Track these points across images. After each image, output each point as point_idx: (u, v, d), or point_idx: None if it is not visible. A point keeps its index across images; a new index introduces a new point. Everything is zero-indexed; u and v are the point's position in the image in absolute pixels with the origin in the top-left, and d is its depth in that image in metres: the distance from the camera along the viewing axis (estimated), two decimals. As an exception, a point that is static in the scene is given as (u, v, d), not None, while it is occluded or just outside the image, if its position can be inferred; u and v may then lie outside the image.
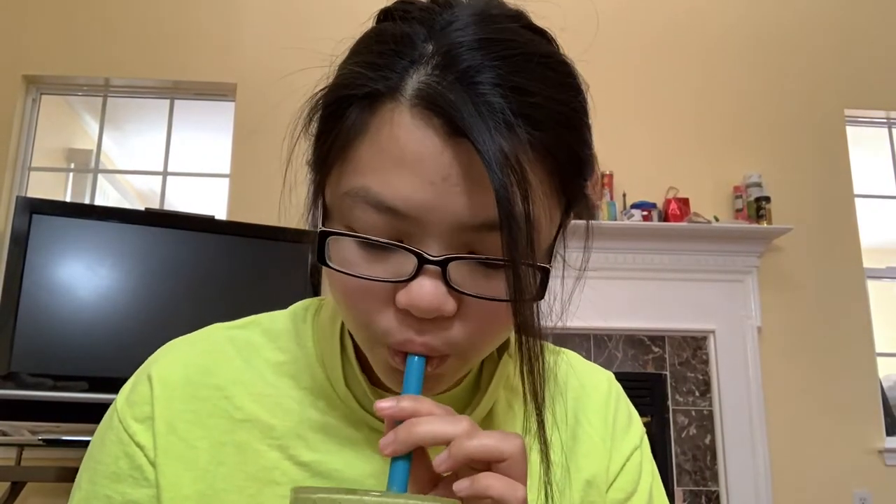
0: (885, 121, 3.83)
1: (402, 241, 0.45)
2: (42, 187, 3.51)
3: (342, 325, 0.56)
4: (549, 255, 0.51)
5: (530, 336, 0.48)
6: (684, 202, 3.32)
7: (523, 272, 0.44)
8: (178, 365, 0.56)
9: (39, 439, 2.59)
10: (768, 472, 3.12)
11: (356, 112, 0.46)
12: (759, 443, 3.14)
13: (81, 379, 2.52)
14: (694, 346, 3.27)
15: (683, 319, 3.25)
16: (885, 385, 3.47)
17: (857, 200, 3.55)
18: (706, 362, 3.26)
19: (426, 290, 0.44)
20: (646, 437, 0.65)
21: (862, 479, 3.20)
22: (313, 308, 0.60)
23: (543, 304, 0.51)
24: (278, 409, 0.54)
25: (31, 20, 3.42)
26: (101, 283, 2.70)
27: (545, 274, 0.47)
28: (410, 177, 0.44)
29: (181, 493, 0.52)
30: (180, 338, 0.59)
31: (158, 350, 0.59)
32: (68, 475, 2.54)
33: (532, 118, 0.44)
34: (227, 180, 3.36)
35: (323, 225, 0.50)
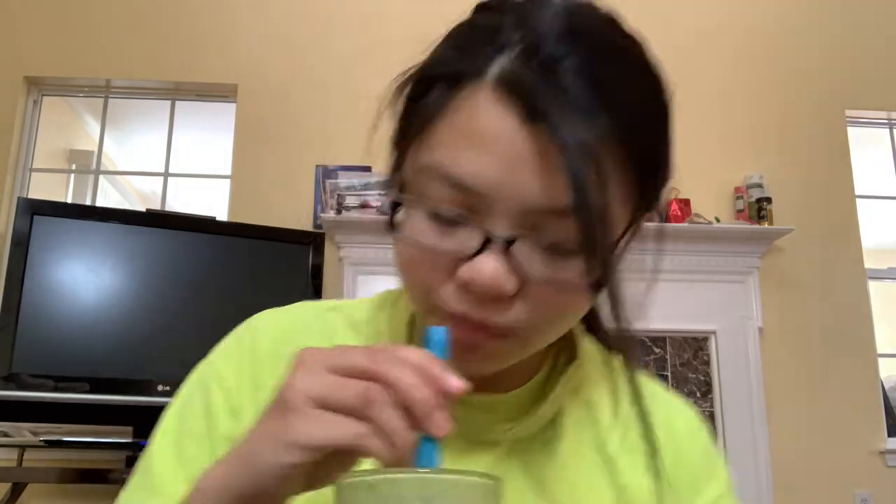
0: (886, 121, 3.83)
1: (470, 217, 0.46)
2: (43, 188, 3.51)
3: (409, 320, 0.57)
4: (616, 247, 0.51)
5: (616, 330, 0.50)
6: (685, 203, 3.32)
7: (593, 262, 0.45)
8: (269, 332, 0.59)
9: (41, 440, 2.59)
10: (769, 473, 3.12)
11: (439, 91, 0.48)
12: (761, 443, 3.14)
13: (83, 380, 2.52)
14: (695, 347, 3.27)
15: (684, 320, 3.25)
16: (886, 386, 3.46)
17: (859, 201, 3.55)
18: (707, 363, 3.26)
19: (489, 267, 0.45)
20: (732, 488, 0.64)
21: (863, 480, 3.20)
22: (392, 298, 0.61)
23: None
24: None
25: (32, 21, 3.43)
26: (103, 285, 2.70)
27: (612, 265, 0.48)
28: (484, 155, 0.45)
29: None
30: (272, 309, 0.62)
31: (252, 317, 0.62)
32: (69, 476, 2.55)
33: (612, 110, 0.45)
34: (228, 181, 3.37)
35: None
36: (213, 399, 0.56)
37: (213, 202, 3.48)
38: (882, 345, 3.44)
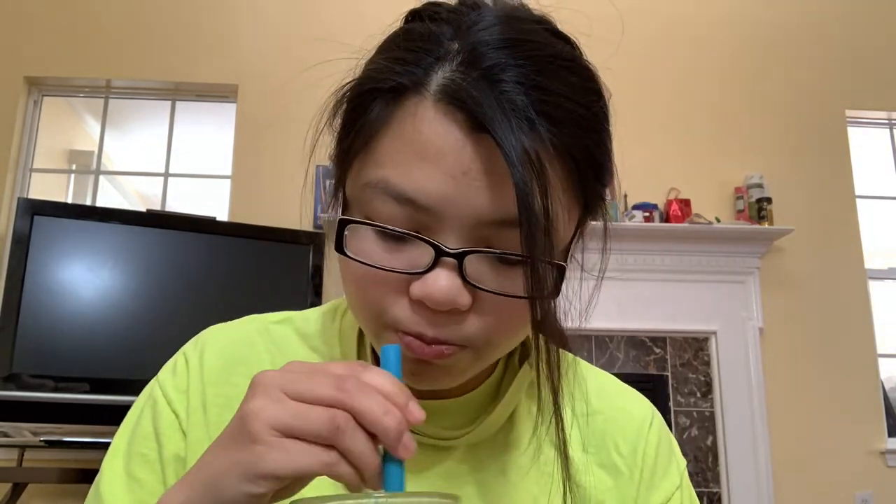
0: (886, 122, 3.83)
1: (419, 233, 0.46)
2: (44, 189, 3.51)
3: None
4: (566, 255, 0.52)
5: (547, 335, 0.48)
6: (686, 203, 3.32)
7: (540, 269, 0.44)
8: (215, 350, 0.58)
9: (41, 440, 2.59)
10: (770, 474, 3.12)
11: (380, 105, 0.47)
12: (761, 444, 3.14)
13: (83, 380, 2.52)
14: (695, 347, 3.27)
15: (685, 320, 3.25)
16: (886, 386, 3.46)
17: (859, 201, 3.55)
18: (707, 363, 3.26)
19: (442, 283, 0.44)
20: (687, 475, 0.62)
21: (864, 481, 3.20)
22: (343, 308, 0.61)
23: (561, 306, 0.52)
24: None
25: (33, 22, 3.43)
26: (103, 285, 2.70)
27: (561, 272, 0.47)
28: (431, 170, 0.45)
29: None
30: (220, 324, 0.62)
31: (200, 333, 0.61)
32: (70, 476, 2.54)
33: (553, 117, 0.45)
34: (228, 181, 3.37)
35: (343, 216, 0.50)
36: (161, 420, 0.56)
37: (213, 202, 3.48)
38: (882, 345, 3.44)
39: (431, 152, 0.45)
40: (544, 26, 0.51)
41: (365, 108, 0.48)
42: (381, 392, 0.38)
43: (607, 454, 0.59)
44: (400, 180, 0.45)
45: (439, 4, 0.50)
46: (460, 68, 0.45)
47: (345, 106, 0.51)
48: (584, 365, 0.64)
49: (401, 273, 0.46)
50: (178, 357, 0.60)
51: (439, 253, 0.45)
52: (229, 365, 0.57)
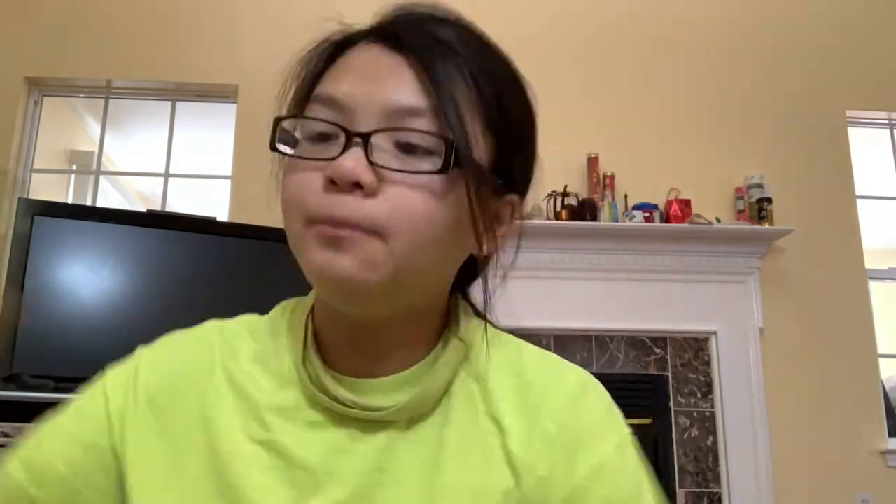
0: (886, 122, 3.83)
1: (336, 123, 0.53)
2: (44, 189, 3.51)
3: (308, 316, 0.61)
4: (476, 169, 0.55)
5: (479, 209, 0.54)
6: (686, 203, 3.32)
7: (435, 140, 0.51)
8: (166, 357, 0.63)
9: (41, 441, 2.59)
10: (770, 474, 3.12)
11: (322, 59, 0.58)
12: (761, 444, 3.14)
13: (83, 381, 2.51)
14: (696, 348, 3.27)
15: (685, 321, 3.25)
16: (887, 386, 3.46)
17: (859, 201, 3.55)
18: (708, 363, 3.26)
19: (348, 160, 0.51)
20: (630, 438, 0.60)
21: (864, 481, 3.20)
22: (292, 304, 0.65)
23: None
24: (246, 391, 0.58)
25: (33, 22, 3.43)
26: (103, 285, 2.70)
27: (453, 147, 0.52)
28: (351, 77, 0.54)
29: (152, 463, 0.57)
30: (175, 334, 0.66)
31: (148, 347, 0.66)
32: (70, 477, 2.54)
33: (470, 50, 0.55)
34: (228, 182, 3.37)
35: None
36: (100, 411, 0.61)
37: (213, 203, 3.48)
38: (882, 345, 3.44)
39: (353, 67, 0.55)
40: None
41: (313, 61, 0.59)
42: None
43: (541, 423, 0.58)
44: (325, 88, 0.55)
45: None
46: (394, 16, 0.57)
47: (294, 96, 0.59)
48: (523, 344, 0.64)
49: (318, 160, 0.52)
50: (128, 362, 0.65)
51: (349, 135, 0.52)
52: (178, 367, 0.61)
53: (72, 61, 3.41)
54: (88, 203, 3.63)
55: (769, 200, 3.33)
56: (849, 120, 3.64)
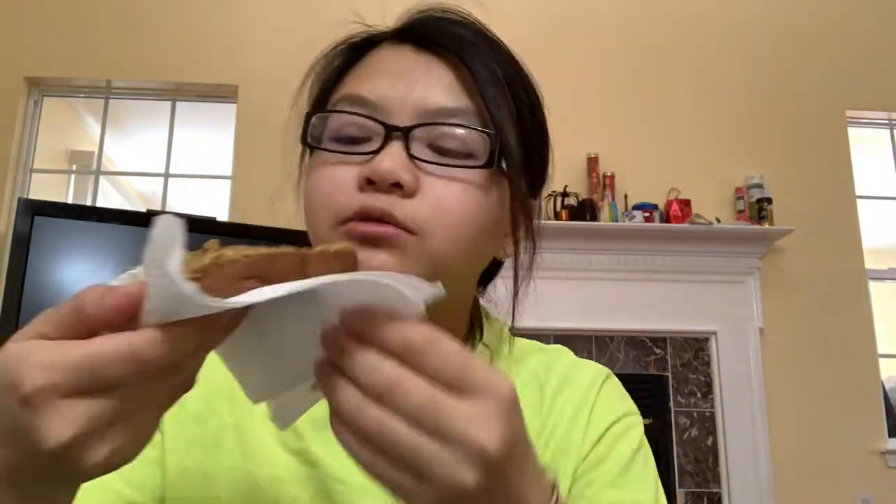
0: (886, 122, 3.83)
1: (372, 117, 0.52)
2: (44, 189, 3.51)
3: None
4: (516, 163, 0.55)
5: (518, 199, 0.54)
6: (686, 203, 3.32)
7: (482, 137, 0.51)
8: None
9: (41, 441, 2.59)
10: (770, 474, 3.12)
11: (343, 59, 0.58)
12: (761, 444, 3.14)
13: (83, 380, 2.52)
14: (696, 348, 3.27)
15: (685, 321, 3.25)
16: (887, 386, 3.46)
17: (859, 201, 3.55)
18: (708, 364, 3.26)
19: (388, 156, 0.49)
20: (639, 418, 0.63)
21: (864, 481, 3.20)
22: None
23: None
24: None
25: (33, 22, 3.43)
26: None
27: (498, 142, 0.51)
28: (380, 76, 0.53)
29: (183, 464, 0.55)
30: None
31: None
32: (70, 477, 2.54)
33: (486, 50, 0.55)
34: (228, 182, 3.37)
35: None
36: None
37: (213, 203, 3.48)
38: (882, 345, 3.44)
39: (381, 68, 0.54)
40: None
41: (334, 62, 0.58)
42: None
43: (556, 413, 0.60)
44: (355, 88, 0.53)
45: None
46: (417, 16, 0.57)
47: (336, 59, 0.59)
48: (542, 346, 0.65)
49: (356, 154, 0.50)
50: None
51: (388, 129, 0.50)
52: (207, 363, 0.59)
53: (71, 61, 3.41)
54: (88, 203, 3.62)
55: (769, 200, 3.33)
56: (849, 120, 3.64)
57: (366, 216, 0.48)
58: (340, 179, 0.50)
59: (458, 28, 0.55)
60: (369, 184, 0.49)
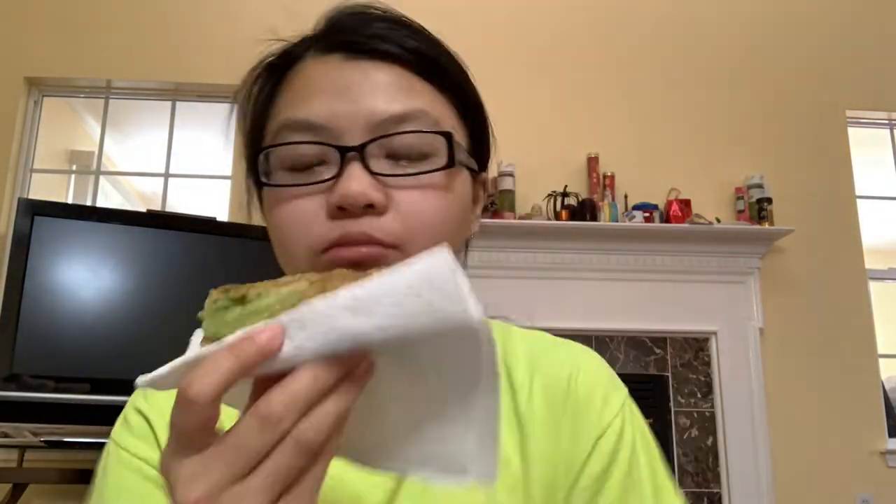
0: (886, 122, 3.83)
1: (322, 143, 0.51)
2: (44, 189, 3.51)
3: None
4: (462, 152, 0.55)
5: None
6: (686, 203, 3.32)
7: (432, 138, 0.51)
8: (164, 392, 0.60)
9: (41, 441, 2.59)
10: (770, 474, 3.12)
11: (268, 83, 0.57)
12: (761, 444, 3.14)
13: (83, 380, 2.52)
14: (696, 348, 3.27)
15: (685, 321, 3.25)
16: (887, 386, 3.46)
17: (859, 201, 3.55)
18: (708, 364, 3.26)
19: (353, 178, 0.48)
20: (630, 404, 0.65)
21: (864, 481, 3.20)
22: None
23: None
24: None
25: (33, 22, 3.43)
26: (103, 285, 2.70)
27: (449, 139, 0.51)
28: (318, 96, 0.51)
29: None
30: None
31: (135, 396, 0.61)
32: (70, 477, 2.54)
33: (413, 46, 0.54)
34: (228, 182, 3.36)
35: None
36: (127, 474, 0.55)
37: (213, 203, 3.48)
38: (882, 345, 3.44)
39: (317, 85, 0.52)
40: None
41: (258, 87, 0.58)
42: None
43: (539, 390, 0.61)
44: (294, 112, 0.52)
45: None
46: (330, 23, 0.56)
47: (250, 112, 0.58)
48: (514, 330, 0.66)
49: (316, 184, 0.49)
50: (126, 413, 0.59)
51: (342, 151, 0.49)
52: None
53: (72, 61, 3.41)
54: (88, 203, 3.62)
55: (769, 200, 3.33)
56: (849, 120, 3.64)
57: (348, 242, 0.48)
58: (308, 211, 0.50)
59: (382, 24, 0.54)
60: (340, 210, 0.48)
